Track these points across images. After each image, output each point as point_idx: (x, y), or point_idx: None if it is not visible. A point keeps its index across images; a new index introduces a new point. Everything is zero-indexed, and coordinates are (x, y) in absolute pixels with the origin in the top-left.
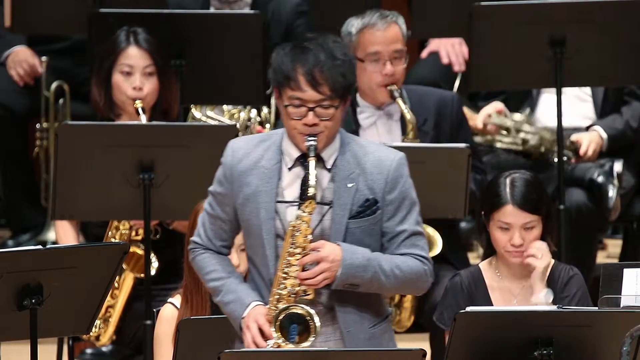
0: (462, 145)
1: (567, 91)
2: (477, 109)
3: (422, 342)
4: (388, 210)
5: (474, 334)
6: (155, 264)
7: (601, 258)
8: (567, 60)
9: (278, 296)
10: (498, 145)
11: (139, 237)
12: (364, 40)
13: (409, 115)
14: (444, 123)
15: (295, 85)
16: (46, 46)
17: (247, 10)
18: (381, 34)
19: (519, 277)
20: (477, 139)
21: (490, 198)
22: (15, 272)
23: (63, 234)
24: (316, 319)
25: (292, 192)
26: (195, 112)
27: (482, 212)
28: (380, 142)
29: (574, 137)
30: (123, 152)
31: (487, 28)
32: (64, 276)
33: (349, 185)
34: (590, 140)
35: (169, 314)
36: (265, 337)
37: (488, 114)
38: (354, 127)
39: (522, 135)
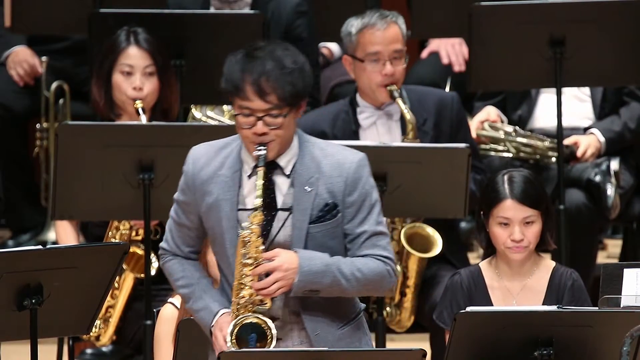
0: (462, 145)
1: (566, 91)
2: (473, 109)
3: (422, 342)
4: (348, 213)
5: (474, 334)
6: (155, 264)
7: (601, 258)
8: (567, 60)
9: (237, 305)
10: (492, 153)
11: (139, 237)
12: (364, 40)
13: (408, 115)
14: (443, 123)
15: (243, 95)
16: (46, 46)
17: (247, 10)
18: (381, 34)
19: (519, 277)
20: None
21: (488, 195)
22: (16, 272)
23: (63, 234)
24: (272, 326)
25: (253, 199)
26: (196, 112)
27: (482, 212)
28: (381, 142)
29: (570, 140)
30: (123, 152)
31: (487, 28)
32: (64, 276)
33: (308, 189)
34: (588, 144)
35: (169, 314)
36: None
37: (481, 121)
38: (354, 128)
39: (514, 145)
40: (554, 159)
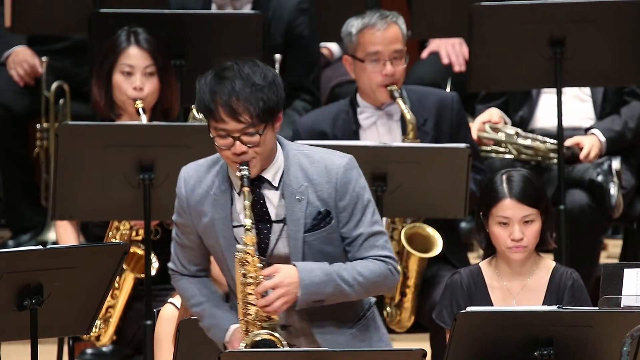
0: (462, 145)
1: (566, 91)
2: (474, 111)
3: (422, 342)
4: (342, 217)
5: (474, 334)
6: (155, 264)
7: (601, 258)
8: (567, 60)
9: (245, 324)
10: (492, 155)
11: (139, 238)
12: (364, 40)
13: (409, 116)
14: (444, 123)
15: (217, 117)
16: (46, 46)
17: (247, 10)
18: (381, 34)
19: (519, 277)
20: None
21: (487, 194)
22: (16, 272)
23: (63, 234)
24: (283, 341)
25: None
26: (196, 112)
27: (481, 212)
28: (381, 142)
29: (572, 141)
30: (123, 152)
31: (487, 28)
32: (64, 276)
33: (298, 198)
34: (591, 145)
35: (169, 314)
36: None
37: (482, 122)
38: (354, 128)
39: (515, 147)
40: (555, 160)
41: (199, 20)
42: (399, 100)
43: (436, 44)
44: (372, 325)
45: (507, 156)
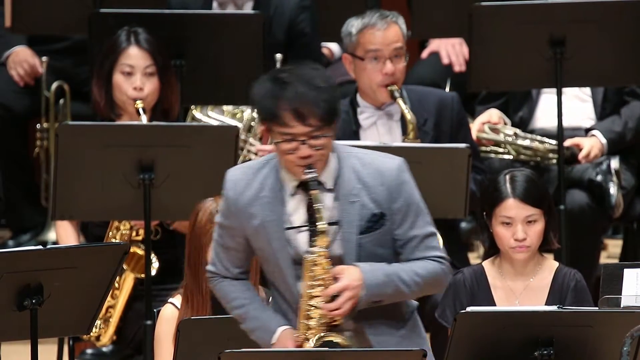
0: (462, 145)
1: (566, 91)
2: (474, 112)
3: None
4: (396, 219)
5: (475, 334)
6: (155, 264)
7: (601, 258)
8: (567, 60)
9: (307, 326)
10: (492, 156)
11: (140, 238)
12: (364, 40)
13: (409, 116)
14: (444, 123)
15: (282, 122)
16: (46, 46)
17: (247, 10)
18: (381, 34)
19: (522, 277)
20: None
21: (491, 194)
22: (16, 272)
23: (63, 234)
24: (352, 344)
25: (299, 217)
26: (196, 113)
27: (484, 213)
28: (381, 142)
29: (572, 141)
30: (123, 152)
31: (487, 28)
32: (65, 276)
33: (352, 200)
34: (591, 146)
35: (169, 314)
36: None
37: (482, 123)
38: (354, 128)
39: (514, 147)
40: (554, 161)
41: (199, 20)
42: (399, 100)
43: (436, 44)
44: (417, 327)
45: (506, 157)
